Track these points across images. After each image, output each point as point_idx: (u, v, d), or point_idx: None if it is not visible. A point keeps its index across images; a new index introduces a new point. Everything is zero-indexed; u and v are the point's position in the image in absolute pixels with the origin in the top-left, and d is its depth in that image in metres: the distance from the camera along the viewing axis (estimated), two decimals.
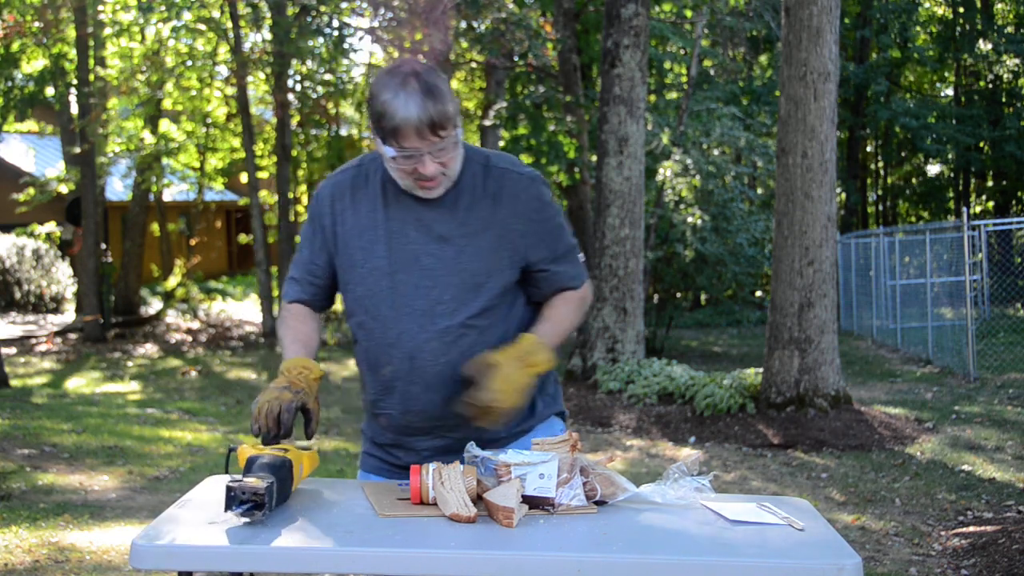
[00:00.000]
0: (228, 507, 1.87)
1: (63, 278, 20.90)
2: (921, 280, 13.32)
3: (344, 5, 16.70)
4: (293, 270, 2.40)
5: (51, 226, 21.29)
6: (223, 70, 18.90)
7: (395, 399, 2.28)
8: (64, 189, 19.46)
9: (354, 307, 2.30)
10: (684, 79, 19.31)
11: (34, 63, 18.46)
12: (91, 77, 16.19)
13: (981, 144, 24.27)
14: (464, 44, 17.20)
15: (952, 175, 26.71)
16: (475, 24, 15.78)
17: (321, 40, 17.25)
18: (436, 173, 2.15)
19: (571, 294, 2.37)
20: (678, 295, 15.48)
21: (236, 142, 20.57)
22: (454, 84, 20.48)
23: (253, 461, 2.00)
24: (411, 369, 2.23)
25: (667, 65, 19.98)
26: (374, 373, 2.30)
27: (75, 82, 16.94)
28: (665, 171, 13.96)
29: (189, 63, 18.17)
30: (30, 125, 23.11)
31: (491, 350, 2.20)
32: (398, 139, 2.10)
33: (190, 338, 17.01)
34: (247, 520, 1.88)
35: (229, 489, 1.88)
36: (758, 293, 18.21)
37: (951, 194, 27.24)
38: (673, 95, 20.57)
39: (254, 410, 2.12)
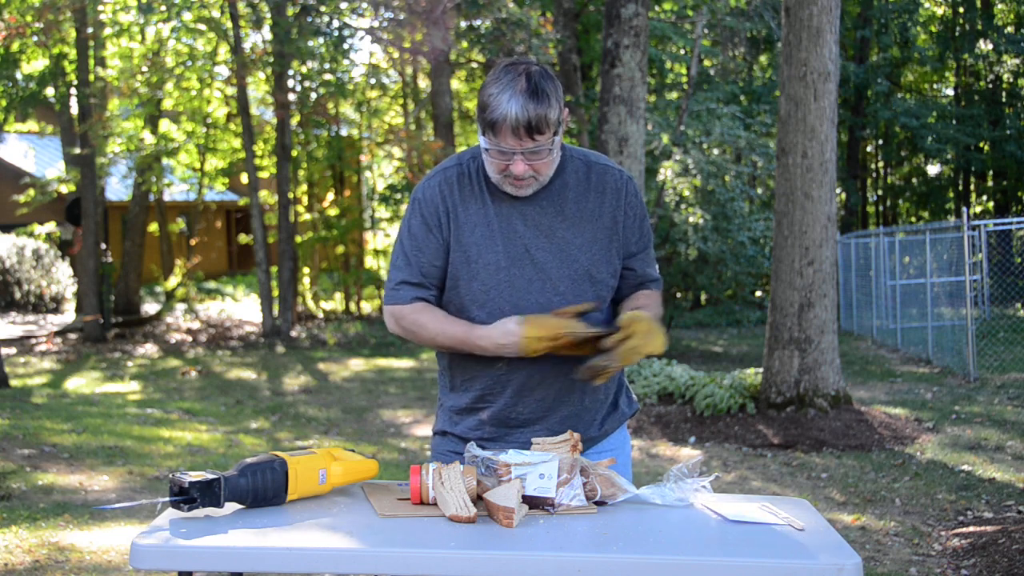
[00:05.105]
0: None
1: (63, 278, 20.90)
2: (921, 280, 13.31)
3: (344, 5, 16.69)
4: (408, 275, 2.29)
5: (51, 226, 21.29)
6: (223, 70, 18.90)
7: (509, 391, 2.29)
8: (64, 189, 19.46)
9: (467, 302, 2.28)
10: (684, 79, 19.30)
11: (34, 63, 18.47)
12: (91, 77, 16.20)
13: (981, 144, 24.27)
14: (464, 44, 17.20)
15: (952, 175, 26.71)
16: (475, 24, 15.79)
17: (321, 40, 17.25)
18: (525, 174, 2.19)
19: (652, 292, 2.40)
20: (678, 295, 15.48)
21: (236, 142, 20.56)
22: (454, 84, 20.48)
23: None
24: (530, 360, 2.24)
25: (667, 65, 19.98)
26: (487, 366, 2.29)
27: (75, 82, 16.94)
28: (665, 171, 13.96)
29: (189, 63, 18.17)
30: (30, 125, 23.12)
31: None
32: (495, 134, 2.14)
33: (190, 338, 17.00)
34: (179, 511, 1.94)
35: (169, 481, 1.96)
36: (758, 293, 18.20)
37: (951, 194, 27.23)
38: (673, 95, 20.56)
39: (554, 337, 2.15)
